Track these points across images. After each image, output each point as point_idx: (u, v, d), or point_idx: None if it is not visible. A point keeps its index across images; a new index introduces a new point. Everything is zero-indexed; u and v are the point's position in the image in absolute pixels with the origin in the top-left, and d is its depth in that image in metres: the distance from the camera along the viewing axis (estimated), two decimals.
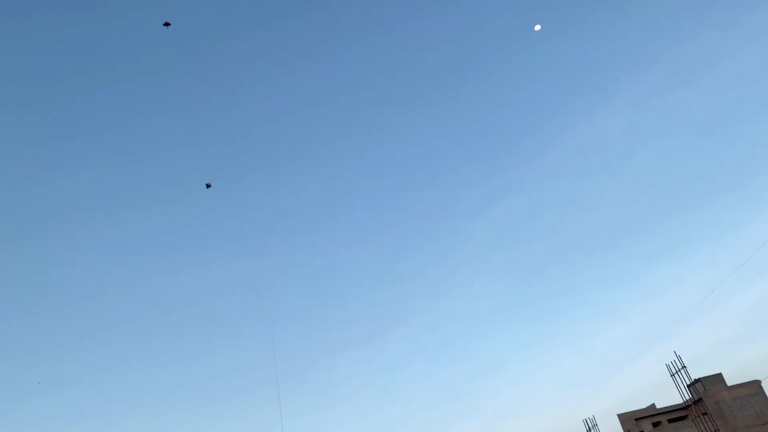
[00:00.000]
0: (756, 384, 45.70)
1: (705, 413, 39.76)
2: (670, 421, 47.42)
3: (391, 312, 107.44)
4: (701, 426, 39.05)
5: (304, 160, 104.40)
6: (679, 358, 38.56)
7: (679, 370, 38.64)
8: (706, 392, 40.03)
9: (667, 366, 39.29)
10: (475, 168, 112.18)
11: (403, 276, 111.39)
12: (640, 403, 51.33)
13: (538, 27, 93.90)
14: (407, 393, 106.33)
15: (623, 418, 49.29)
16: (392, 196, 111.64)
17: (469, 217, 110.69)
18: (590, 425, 46.59)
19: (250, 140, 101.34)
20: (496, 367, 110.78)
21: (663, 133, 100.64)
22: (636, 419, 48.92)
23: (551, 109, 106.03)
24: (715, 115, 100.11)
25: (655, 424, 47.82)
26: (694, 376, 39.07)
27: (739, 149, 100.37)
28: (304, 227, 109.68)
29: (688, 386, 40.02)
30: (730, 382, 45.54)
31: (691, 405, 43.86)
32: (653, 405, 49.52)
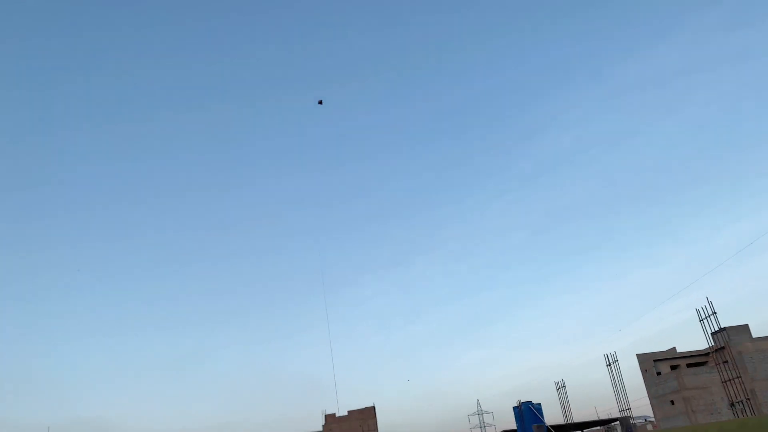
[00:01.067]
0: None
1: (725, 362, 39.51)
2: (689, 365, 47.49)
3: (422, 236, 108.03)
4: (723, 374, 38.91)
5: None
6: (710, 303, 37.96)
7: (709, 316, 38.12)
8: (730, 341, 39.59)
9: (697, 311, 38.77)
10: (522, 95, 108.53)
11: (437, 202, 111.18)
12: (659, 346, 51.37)
13: None
14: (430, 315, 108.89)
15: (642, 358, 49.54)
16: (434, 120, 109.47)
17: (512, 145, 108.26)
18: (611, 360, 46.97)
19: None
20: (520, 299, 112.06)
21: (722, 75, 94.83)
22: (655, 360, 49.12)
23: (607, 38, 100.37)
24: None
25: (673, 367, 47.99)
26: (717, 327, 38.51)
27: None
28: (359, 154, 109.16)
29: (712, 334, 39.58)
30: (755, 334, 44.97)
31: (712, 352, 43.62)
32: (674, 349, 49.51)
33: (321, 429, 61.31)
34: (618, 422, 36.35)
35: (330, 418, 61.69)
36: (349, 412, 61.18)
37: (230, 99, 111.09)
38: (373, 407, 60.99)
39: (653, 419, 46.66)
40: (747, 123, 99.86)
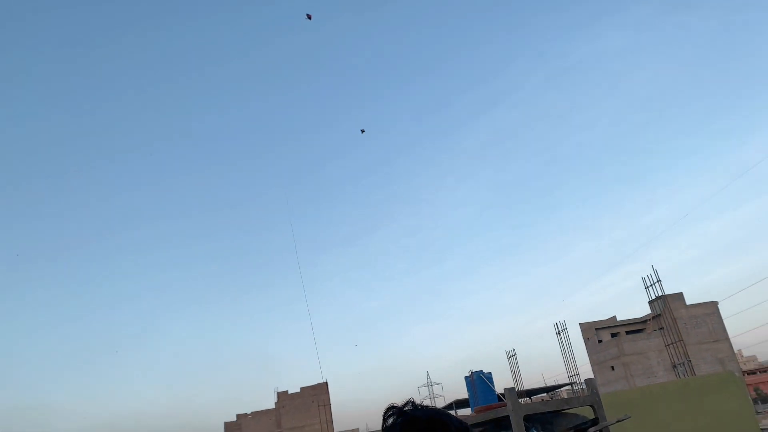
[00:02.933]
0: (713, 305, 47.85)
1: (661, 328, 41.69)
2: (628, 332, 49.85)
3: (377, 213, 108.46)
4: (666, 338, 41.09)
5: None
6: (655, 272, 39.77)
7: (654, 284, 39.96)
8: (668, 310, 41.77)
9: (643, 278, 40.55)
10: (470, 72, 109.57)
11: (390, 179, 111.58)
12: (601, 315, 53.65)
13: None
14: (385, 290, 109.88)
15: (584, 327, 51.67)
16: (382, 93, 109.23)
17: (460, 122, 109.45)
18: (560, 329, 48.76)
19: None
20: (470, 272, 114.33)
21: (663, 55, 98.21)
22: (596, 329, 51.35)
23: (553, 18, 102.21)
24: (715, 41, 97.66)
25: (614, 335, 50.28)
26: (658, 293, 40.49)
27: (726, 81, 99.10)
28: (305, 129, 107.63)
29: (650, 302, 41.60)
30: (689, 301, 47.57)
31: (649, 319, 45.96)
32: (614, 317, 51.82)
33: (273, 407, 61.34)
34: (569, 386, 37.93)
35: (282, 396, 61.76)
36: (301, 388, 61.36)
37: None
38: (326, 383, 61.38)
39: None
40: (684, 101, 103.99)
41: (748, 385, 55.01)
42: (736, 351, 50.51)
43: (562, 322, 47.69)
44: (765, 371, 76.45)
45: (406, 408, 1.40)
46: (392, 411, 1.40)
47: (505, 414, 3.20)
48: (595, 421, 3.29)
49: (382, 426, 1.41)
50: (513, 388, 3.23)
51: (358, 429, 58.89)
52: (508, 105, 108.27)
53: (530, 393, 42.63)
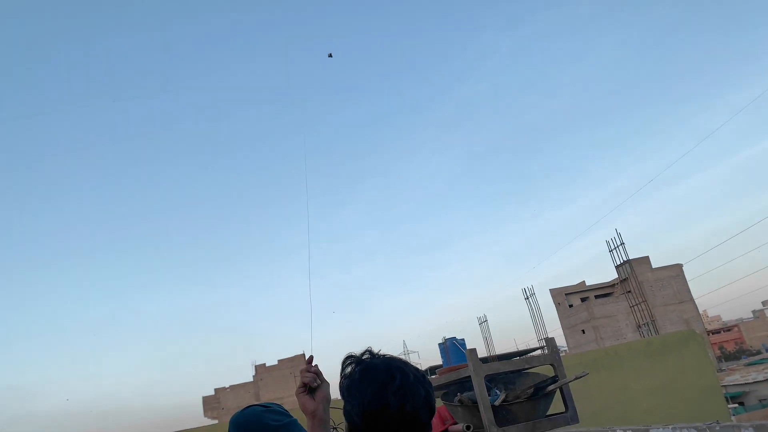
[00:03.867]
0: (677, 267, 49.22)
1: (629, 291, 42.81)
2: (597, 297, 51.08)
3: (347, 186, 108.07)
4: (631, 299, 42.21)
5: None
6: (618, 235, 40.61)
7: (618, 247, 40.85)
8: (633, 272, 42.82)
9: (607, 242, 41.41)
10: (437, 47, 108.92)
11: (360, 152, 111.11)
12: (571, 281, 54.81)
13: None
14: (356, 263, 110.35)
15: (554, 292, 52.77)
16: (350, 68, 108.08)
17: (432, 95, 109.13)
18: (528, 294, 49.70)
19: None
20: (442, 243, 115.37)
21: (629, 24, 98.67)
22: (566, 294, 52.50)
23: None
24: (681, 6, 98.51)
25: (583, 299, 51.50)
26: (625, 257, 41.46)
27: (689, 47, 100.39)
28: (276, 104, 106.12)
29: (617, 267, 42.58)
30: (654, 264, 48.85)
31: (617, 283, 47.11)
32: (583, 282, 53.00)
33: (252, 380, 61.67)
34: (538, 350, 38.83)
35: (260, 368, 62.06)
36: (279, 360, 61.73)
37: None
38: (303, 355, 61.82)
39: (566, 348, 50.18)
40: (649, 67, 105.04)
41: (712, 344, 57.03)
42: (700, 311, 52.16)
43: (530, 287, 48.62)
44: (729, 330, 79.31)
45: (364, 356, 1.40)
46: (350, 359, 1.41)
47: (468, 374, 3.23)
48: (554, 379, 3.35)
49: (341, 374, 1.41)
50: (474, 350, 3.27)
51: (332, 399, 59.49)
52: (476, 77, 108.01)
53: (501, 357, 43.65)
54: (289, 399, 58.97)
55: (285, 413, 1.41)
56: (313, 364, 1.73)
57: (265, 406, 1.42)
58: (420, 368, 1.43)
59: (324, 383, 1.73)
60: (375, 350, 1.44)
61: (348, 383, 1.37)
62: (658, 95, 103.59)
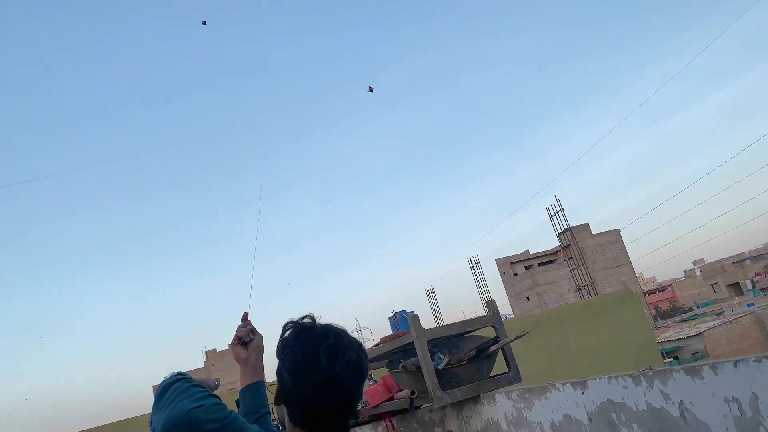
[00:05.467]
0: (615, 232, 51.23)
1: (571, 258, 44.27)
2: (540, 264, 52.63)
3: (291, 167, 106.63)
4: (571, 263, 43.67)
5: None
6: (558, 202, 41.75)
7: (557, 213, 42.03)
8: (573, 239, 44.25)
9: (547, 209, 42.53)
10: (378, 24, 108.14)
11: (303, 131, 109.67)
12: (516, 250, 56.22)
13: None
14: (304, 243, 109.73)
15: (500, 262, 54.06)
16: (292, 44, 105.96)
17: (374, 73, 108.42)
18: (473, 263, 50.69)
19: None
20: (390, 218, 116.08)
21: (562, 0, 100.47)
22: (511, 263, 53.88)
23: None
24: None
25: (527, 267, 52.97)
26: (566, 224, 42.73)
27: (620, 19, 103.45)
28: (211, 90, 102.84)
29: (558, 234, 43.90)
30: (594, 231, 50.66)
31: (559, 250, 48.60)
32: (527, 251, 54.47)
33: (203, 366, 60.82)
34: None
35: (211, 354, 61.26)
36: (230, 346, 60.98)
37: None
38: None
39: (512, 316, 51.64)
40: (583, 39, 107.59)
41: (648, 303, 59.81)
42: (637, 274, 54.62)
43: (475, 256, 49.59)
44: (663, 290, 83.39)
45: (304, 320, 1.39)
46: (290, 324, 1.40)
47: (410, 341, 3.20)
48: (495, 340, 3.37)
49: (280, 337, 1.39)
50: (417, 316, 3.23)
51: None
52: (415, 55, 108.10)
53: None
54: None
55: (220, 407, 1.34)
56: (248, 320, 1.84)
57: (200, 403, 1.32)
58: (357, 339, 1.43)
59: (257, 335, 1.84)
60: (316, 317, 1.42)
61: (283, 343, 1.37)
62: (593, 68, 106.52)
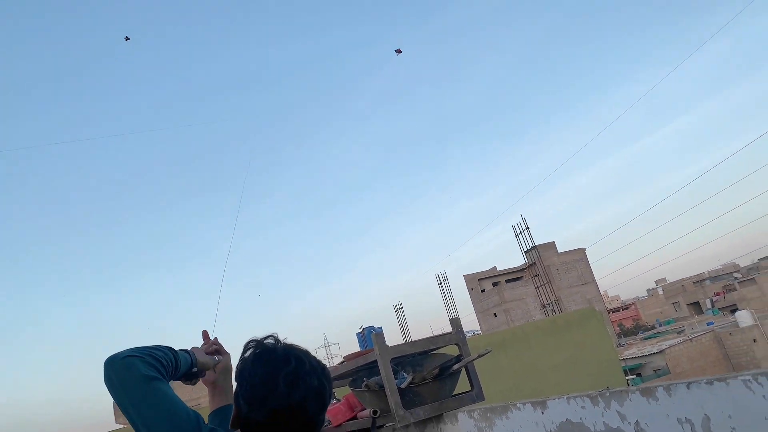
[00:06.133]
0: (581, 251, 52.07)
1: (537, 275, 44.80)
2: (507, 281, 53.10)
3: (265, 179, 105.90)
4: (536, 281, 44.16)
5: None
6: (524, 220, 42.33)
7: (523, 231, 42.57)
8: (540, 257, 44.83)
9: (513, 227, 43.06)
10: (357, 35, 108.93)
11: (278, 145, 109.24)
12: (484, 267, 56.67)
13: None
14: (275, 257, 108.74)
15: (468, 278, 54.37)
16: (270, 61, 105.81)
17: (348, 85, 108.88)
18: (441, 279, 50.86)
19: None
20: (360, 233, 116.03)
21: (533, 21, 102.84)
22: (479, 279, 54.23)
23: None
24: (581, 15, 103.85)
25: (495, 284, 53.38)
26: (531, 241, 43.29)
27: (588, 42, 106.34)
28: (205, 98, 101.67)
29: (525, 252, 44.43)
30: (560, 249, 51.42)
31: (526, 268, 49.16)
32: (495, 268, 54.93)
33: None
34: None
35: None
36: None
37: None
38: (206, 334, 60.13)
39: (480, 332, 51.88)
40: (553, 59, 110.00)
41: (612, 321, 60.83)
42: (602, 292, 55.54)
43: (443, 272, 49.84)
44: (626, 308, 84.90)
45: (267, 341, 1.34)
46: (252, 343, 1.34)
47: (374, 359, 3.18)
48: (459, 358, 3.37)
49: (240, 357, 1.34)
50: (381, 333, 3.22)
51: None
52: (391, 67, 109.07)
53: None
54: (206, 399, 57.37)
55: (158, 365, 1.39)
56: (213, 338, 1.79)
57: (141, 355, 1.39)
58: (323, 361, 1.38)
59: (225, 354, 1.76)
60: (281, 338, 1.37)
61: (241, 365, 1.30)
62: (562, 89, 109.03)
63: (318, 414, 1.30)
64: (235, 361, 1.43)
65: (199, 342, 1.78)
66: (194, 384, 1.64)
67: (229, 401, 1.69)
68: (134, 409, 1.30)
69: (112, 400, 1.39)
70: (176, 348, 1.54)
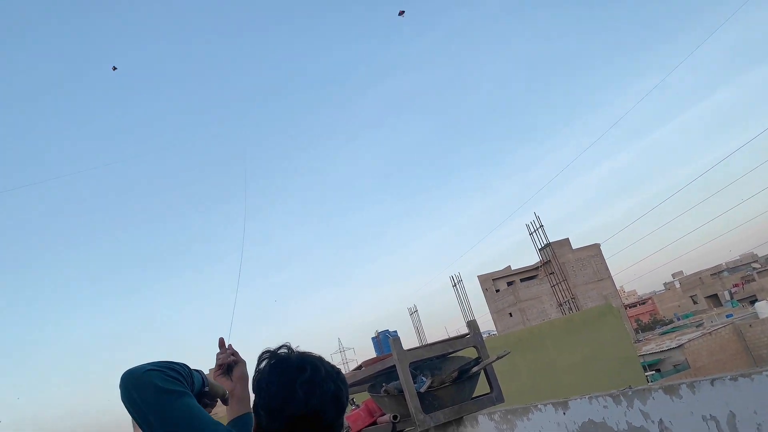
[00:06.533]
0: (595, 247, 51.69)
1: (552, 273, 44.53)
2: (522, 280, 52.83)
3: (273, 188, 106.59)
4: (552, 279, 43.90)
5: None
6: (537, 218, 42.11)
7: (537, 229, 42.35)
8: (555, 254, 44.58)
9: (527, 225, 42.85)
10: (365, 42, 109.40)
11: (285, 153, 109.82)
12: (498, 266, 56.44)
13: None
14: (289, 263, 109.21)
15: (482, 278, 54.14)
16: (279, 68, 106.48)
17: (356, 94, 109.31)
18: (455, 281, 50.72)
19: None
20: (373, 238, 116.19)
21: (542, 12, 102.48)
22: (493, 279, 53.99)
23: None
24: (589, 12, 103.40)
25: (510, 284, 53.13)
26: (545, 240, 43.04)
27: (598, 37, 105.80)
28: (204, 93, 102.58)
29: (540, 250, 44.18)
30: (575, 246, 51.08)
31: (540, 266, 48.89)
32: (509, 267, 54.69)
33: None
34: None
35: None
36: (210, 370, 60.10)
37: None
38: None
39: (495, 332, 51.63)
40: (561, 58, 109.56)
41: (630, 317, 60.23)
42: (618, 287, 55.06)
43: (457, 274, 49.71)
44: (643, 303, 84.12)
45: (280, 351, 1.36)
46: (266, 354, 1.36)
47: (392, 364, 3.17)
48: (477, 361, 3.36)
49: (255, 369, 1.36)
50: (398, 338, 3.22)
51: None
52: (400, 73, 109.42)
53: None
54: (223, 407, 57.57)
55: (180, 378, 1.39)
56: (228, 344, 1.76)
57: (162, 369, 1.40)
58: (338, 367, 1.40)
59: (240, 362, 1.74)
60: (293, 346, 1.39)
61: (258, 376, 1.33)
62: (572, 85, 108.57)
63: (337, 418, 1.32)
64: (251, 373, 1.44)
65: (215, 349, 1.78)
66: (213, 407, 1.65)
67: (247, 410, 1.68)
68: (162, 425, 1.29)
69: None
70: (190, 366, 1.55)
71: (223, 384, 1.67)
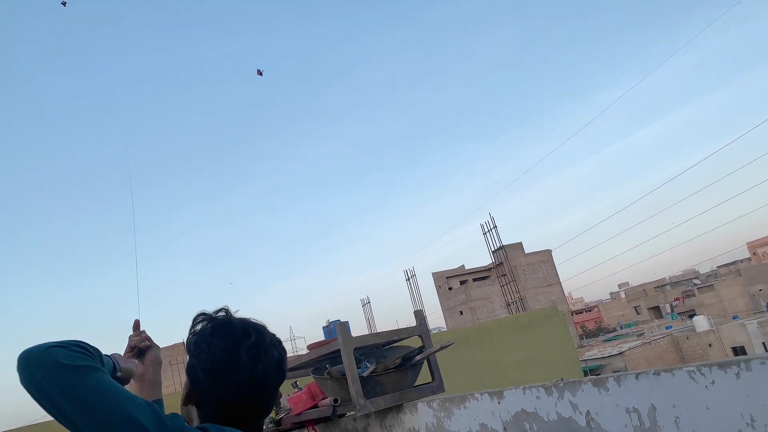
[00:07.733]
0: (547, 252, 52.87)
1: (504, 275, 45.32)
2: (474, 280, 53.63)
3: (235, 172, 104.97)
4: (502, 280, 44.69)
5: None
6: (492, 219, 42.69)
7: (491, 230, 42.95)
8: (507, 257, 45.34)
9: (481, 225, 43.39)
10: (333, 32, 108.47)
11: (250, 137, 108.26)
12: (453, 265, 57.14)
13: None
14: (247, 248, 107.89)
15: (436, 276, 54.73)
16: (248, 56, 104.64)
17: (324, 82, 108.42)
18: (409, 275, 51.06)
19: None
20: (332, 229, 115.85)
21: (514, 18, 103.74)
22: (447, 277, 54.64)
23: None
24: (559, 7, 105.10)
25: (462, 282, 53.86)
26: (499, 240, 43.74)
27: (564, 47, 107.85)
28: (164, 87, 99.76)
29: (493, 252, 44.87)
30: (527, 250, 52.11)
31: (493, 267, 49.68)
32: (463, 266, 55.42)
33: None
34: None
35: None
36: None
37: None
38: (182, 343, 59.46)
39: (445, 328, 52.31)
40: (529, 65, 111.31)
41: (576, 323, 61.85)
42: (566, 294, 56.48)
43: (411, 268, 50.04)
44: (590, 310, 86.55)
45: (219, 314, 1.31)
46: (202, 316, 1.30)
47: (337, 348, 3.20)
48: (421, 350, 3.41)
49: (189, 331, 1.29)
50: (346, 323, 3.25)
51: None
52: (365, 67, 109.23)
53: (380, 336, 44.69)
54: (167, 388, 56.55)
55: (87, 354, 1.15)
56: (141, 329, 1.66)
57: (65, 345, 1.14)
58: (276, 335, 1.36)
59: (154, 346, 1.66)
60: (232, 311, 1.35)
61: (197, 338, 1.27)
62: (536, 91, 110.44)
63: (277, 385, 1.32)
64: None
65: (164, 338, 1.71)
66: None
67: (159, 396, 1.61)
68: (74, 405, 1.06)
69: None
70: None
71: (135, 367, 1.53)
